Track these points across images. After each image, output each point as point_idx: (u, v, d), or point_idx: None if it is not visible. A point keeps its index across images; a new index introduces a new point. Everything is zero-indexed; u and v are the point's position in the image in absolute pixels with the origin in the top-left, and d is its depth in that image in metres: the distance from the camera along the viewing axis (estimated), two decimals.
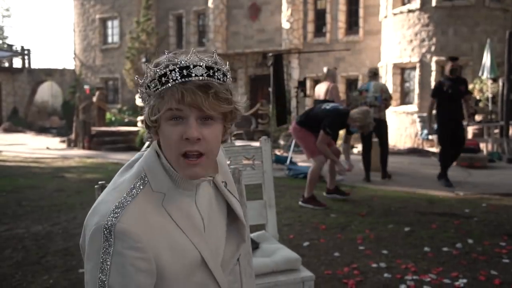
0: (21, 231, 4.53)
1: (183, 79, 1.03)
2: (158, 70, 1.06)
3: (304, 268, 2.25)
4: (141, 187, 1.09)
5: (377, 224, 4.70)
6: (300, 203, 5.58)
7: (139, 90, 1.12)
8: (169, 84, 1.04)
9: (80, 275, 3.38)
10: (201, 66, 1.05)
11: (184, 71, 1.04)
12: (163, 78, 1.04)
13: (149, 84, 1.07)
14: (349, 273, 3.40)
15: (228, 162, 2.39)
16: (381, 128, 7.45)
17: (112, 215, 1.02)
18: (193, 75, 1.04)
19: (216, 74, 1.07)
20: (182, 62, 1.05)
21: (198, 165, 1.07)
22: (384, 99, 7.49)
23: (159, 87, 1.05)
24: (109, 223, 1.01)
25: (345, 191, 6.13)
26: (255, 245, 2.33)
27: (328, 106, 5.44)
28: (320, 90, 7.55)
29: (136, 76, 1.18)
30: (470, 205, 5.57)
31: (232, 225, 1.29)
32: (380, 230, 4.49)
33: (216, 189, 1.25)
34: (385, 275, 3.36)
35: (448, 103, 6.80)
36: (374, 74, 7.89)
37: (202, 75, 1.04)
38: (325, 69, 7.98)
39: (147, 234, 1.03)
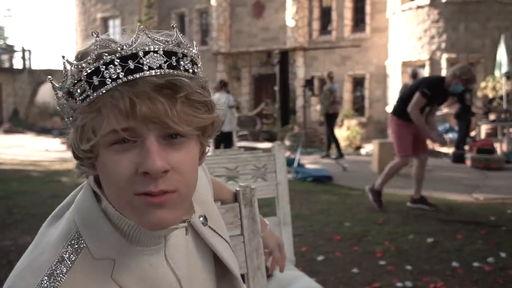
0: (7, 243, 4.15)
1: (129, 77, 0.64)
2: (84, 65, 0.66)
3: None
4: (73, 258, 0.67)
5: (396, 235, 4.30)
6: (408, 204, 5.35)
7: (56, 98, 0.69)
8: (108, 87, 0.64)
9: None
10: (156, 52, 0.66)
11: (130, 62, 0.65)
12: (94, 78, 0.65)
13: (71, 89, 0.67)
14: None
15: (237, 170, 2.01)
16: None
17: None
18: (146, 68, 0.65)
19: (182, 62, 0.68)
20: (125, 47, 0.66)
21: (165, 206, 0.66)
22: None
23: (89, 92, 0.65)
24: None
25: (431, 202, 5.38)
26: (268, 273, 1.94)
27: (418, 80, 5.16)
28: None
29: (49, 77, 0.72)
30: (494, 212, 5.16)
31: (224, 278, 0.89)
32: (400, 242, 4.09)
33: (193, 229, 0.84)
34: None
35: None
36: (331, 78, 10.54)
37: (160, 67, 0.65)
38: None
39: None
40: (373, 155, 8.96)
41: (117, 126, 0.63)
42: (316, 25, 17.29)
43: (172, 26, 0.70)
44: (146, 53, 0.65)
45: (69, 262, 0.67)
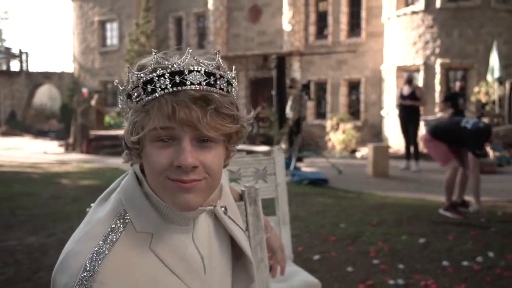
0: (13, 243, 4.27)
1: (174, 88, 0.81)
2: (142, 75, 0.83)
3: None
4: (121, 229, 0.84)
5: (390, 235, 4.46)
6: (440, 211, 5.35)
7: (119, 99, 0.89)
8: (156, 94, 0.81)
9: None
10: (198, 71, 0.82)
11: (177, 77, 0.81)
12: (148, 86, 0.82)
13: (130, 92, 0.84)
14: None
15: (239, 172, 2.15)
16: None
17: (85, 273, 0.77)
18: (188, 83, 0.81)
19: (219, 82, 0.84)
20: (175, 65, 0.82)
21: (192, 191, 0.82)
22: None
23: (143, 97, 0.82)
24: (82, 286, 0.77)
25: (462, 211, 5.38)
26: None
27: (468, 124, 5.04)
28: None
29: (116, 81, 0.95)
30: (484, 214, 5.32)
31: (238, 262, 1.05)
32: (393, 242, 4.24)
33: (215, 217, 1.01)
34: None
35: None
36: (295, 83, 10.82)
37: (199, 84, 0.81)
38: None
39: None
40: (368, 159, 9.11)
41: (158, 125, 0.80)
42: (312, 29, 17.45)
43: (215, 52, 0.87)
44: (190, 71, 0.81)
45: (118, 232, 0.83)
